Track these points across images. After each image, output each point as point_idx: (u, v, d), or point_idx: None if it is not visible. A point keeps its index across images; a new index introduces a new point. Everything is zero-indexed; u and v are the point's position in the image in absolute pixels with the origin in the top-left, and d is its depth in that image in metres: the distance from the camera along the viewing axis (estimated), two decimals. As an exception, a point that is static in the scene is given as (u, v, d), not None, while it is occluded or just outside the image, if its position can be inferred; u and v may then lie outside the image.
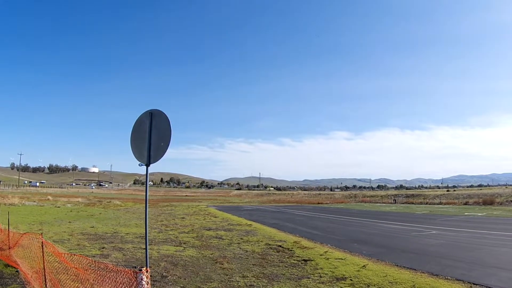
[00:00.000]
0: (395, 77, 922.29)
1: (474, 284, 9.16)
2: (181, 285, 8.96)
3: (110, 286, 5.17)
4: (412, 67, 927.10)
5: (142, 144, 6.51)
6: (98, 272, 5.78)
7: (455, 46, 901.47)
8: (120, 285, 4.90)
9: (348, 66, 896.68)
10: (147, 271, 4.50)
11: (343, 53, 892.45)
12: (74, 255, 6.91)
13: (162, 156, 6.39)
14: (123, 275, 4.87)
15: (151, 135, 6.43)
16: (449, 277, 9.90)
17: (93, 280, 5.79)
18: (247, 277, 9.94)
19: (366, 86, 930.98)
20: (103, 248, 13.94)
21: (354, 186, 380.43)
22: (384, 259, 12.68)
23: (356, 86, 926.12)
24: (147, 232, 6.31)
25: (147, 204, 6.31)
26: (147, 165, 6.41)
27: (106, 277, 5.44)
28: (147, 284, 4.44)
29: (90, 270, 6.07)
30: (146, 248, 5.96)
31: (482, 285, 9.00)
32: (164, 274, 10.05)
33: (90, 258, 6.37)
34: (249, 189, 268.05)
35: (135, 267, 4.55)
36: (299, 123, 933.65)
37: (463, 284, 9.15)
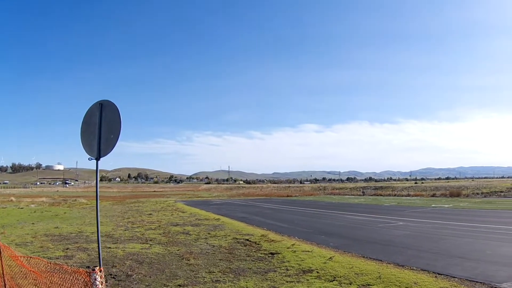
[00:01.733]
0: (364, 70, 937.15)
1: (439, 274, 9.28)
2: (146, 284, 8.80)
3: (65, 287, 5.01)
4: (381, 61, 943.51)
5: (92, 137, 6.27)
6: (55, 274, 5.59)
7: (425, 41, 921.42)
8: (76, 286, 4.74)
9: (317, 58, 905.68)
10: (100, 271, 4.34)
11: (312, 45, 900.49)
12: (31, 257, 6.68)
13: (112, 149, 6.15)
14: (77, 276, 4.71)
15: (101, 128, 6.17)
16: (414, 268, 10.03)
17: (50, 282, 5.60)
18: (214, 272, 9.86)
19: (335, 79, 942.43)
20: (67, 249, 13.59)
21: (324, 179, 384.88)
22: (351, 250, 12.80)
23: (326, 78, 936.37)
24: (99, 229, 6.13)
25: (98, 201, 6.10)
26: (97, 159, 6.17)
27: (63, 279, 5.26)
28: (101, 284, 4.28)
29: (47, 273, 5.87)
30: (98, 247, 5.79)
31: (447, 275, 9.12)
32: (129, 273, 9.84)
33: (46, 260, 6.17)
34: (218, 183, 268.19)
35: (88, 267, 4.40)
36: (268, 116, 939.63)
37: (428, 274, 9.26)
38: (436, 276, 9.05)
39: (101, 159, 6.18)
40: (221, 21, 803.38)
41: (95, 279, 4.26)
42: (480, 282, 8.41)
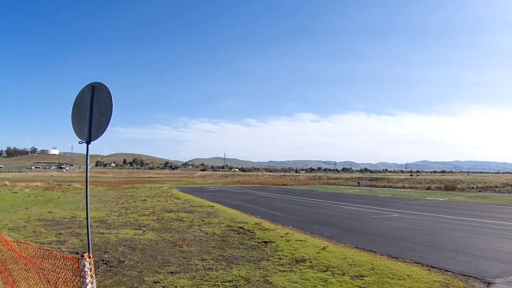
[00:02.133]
0: (362, 62, 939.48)
1: (432, 267, 9.28)
2: (138, 270, 8.76)
3: (54, 273, 4.93)
4: (380, 53, 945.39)
5: (83, 120, 6.12)
6: (45, 260, 5.51)
7: (424, 35, 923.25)
8: (65, 272, 4.66)
9: (316, 48, 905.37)
10: (89, 257, 4.26)
11: (312, 35, 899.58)
12: (21, 242, 6.59)
13: (103, 133, 5.99)
14: (66, 262, 4.63)
15: (92, 111, 6.05)
16: (408, 260, 10.03)
17: (40, 268, 5.52)
18: (206, 260, 9.84)
19: (334, 69, 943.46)
20: (60, 234, 13.51)
21: (319, 168, 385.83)
22: (345, 241, 12.79)
23: (324, 68, 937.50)
24: (88, 214, 6.04)
25: (88, 185, 6.00)
26: (88, 143, 6.01)
27: (53, 265, 5.18)
28: (90, 271, 4.21)
29: (37, 258, 5.78)
30: (88, 233, 5.70)
31: (440, 269, 9.13)
32: (122, 259, 9.79)
33: (36, 246, 6.08)
34: (213, 170, 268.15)
35: (78, 253, 4.32)
36: (265, 104, 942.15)
37: (422, 267, 9.27)
38: (429, 269, 9.04)
39: (91, 143, 6.04)
40: (220, 8, 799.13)
41: (84, 266, 4.19)
42: (474, 277, 8.40)
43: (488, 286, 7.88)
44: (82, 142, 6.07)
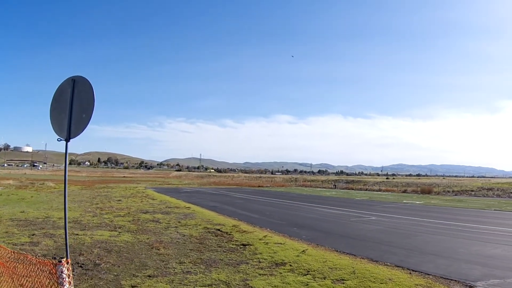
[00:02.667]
0: (340, 63, 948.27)
1: (413, 270, 9.31)
2: (115, 274, 8.54)
3: (30, 279, 4.72)
4: (358, 55, 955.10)
5: (63, 116, 5.85)
6: (19, 264, 5.28)
7: (402, 39, 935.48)
8: (40, 278, 4.46)
9: (295, 49, 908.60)
10: (67, 263, 4.08)
11: (292, 36, 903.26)
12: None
13: (83, 130, 5.69)
14: (43, 267, 4.43)
15: (73, 106, 5.78)
16: (388, 263, 10.04)
17: (13, 273, 5.30)
18: (184, 263, 9.66)
19: (312, 71, 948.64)
20: (33, 235, 13.12)
21: (295, 170, 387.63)
22: (324, 244, 12.76)
23: (302, 69, 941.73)
24: (66, 217, 5.84)
25: (66, 186, 5.78)
26: (67, 140, 5.72)
27: (28, 270, 4.96)
28: (68, 277, 4.02)
29: (11, 262, 5.54)
30: (66, 236, 5.49)
31: (421, 272, 9.17)
32: (97, 262, 9.55)
33: (9, 249, 5.84)
34: (189, 171, 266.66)
35: (55, 258, 4.12)
36: (242, 104, 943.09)
37: (403, 271, 9.28)
38: (410, 273, 9.06)
39: (71, 140, 5.78)
40: (199, 7, 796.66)
41: (62, 272, 4.01)
42: (455, 280, 8.46)
43: (469, 290, 7.95)
44: (61, 140, 5.79)
